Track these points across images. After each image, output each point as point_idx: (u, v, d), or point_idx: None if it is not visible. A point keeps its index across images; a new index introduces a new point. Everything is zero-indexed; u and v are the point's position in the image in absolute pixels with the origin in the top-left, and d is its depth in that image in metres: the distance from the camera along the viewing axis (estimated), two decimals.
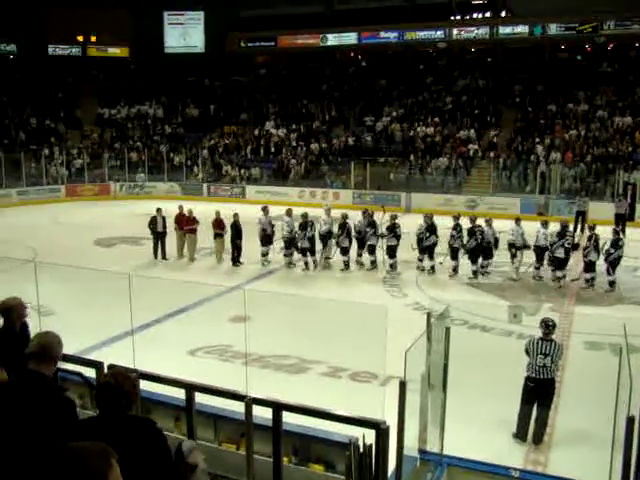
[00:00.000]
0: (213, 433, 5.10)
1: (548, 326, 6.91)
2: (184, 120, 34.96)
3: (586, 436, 6.88)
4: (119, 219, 22.96)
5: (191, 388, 4.54)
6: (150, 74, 36.15)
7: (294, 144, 30.82)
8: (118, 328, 8.94)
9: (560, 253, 13.51)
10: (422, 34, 33.23)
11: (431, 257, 14.82)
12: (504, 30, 31.57)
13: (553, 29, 30.65)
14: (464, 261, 14.52)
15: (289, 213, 15.62)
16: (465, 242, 14.44)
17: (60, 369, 4.80)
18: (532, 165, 25.61)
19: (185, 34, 36.60)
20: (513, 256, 14.27)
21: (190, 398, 4.54)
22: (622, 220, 19.30)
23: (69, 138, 33.06)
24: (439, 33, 32.80)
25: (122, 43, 36.15)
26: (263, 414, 4.29)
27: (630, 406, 4.08)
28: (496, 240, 14.56)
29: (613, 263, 13.17)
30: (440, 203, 24.03)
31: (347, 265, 15.19)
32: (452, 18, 34.08)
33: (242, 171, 30.00)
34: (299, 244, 15.28)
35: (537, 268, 14.15)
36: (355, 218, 15.74)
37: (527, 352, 6.90)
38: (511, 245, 14.31)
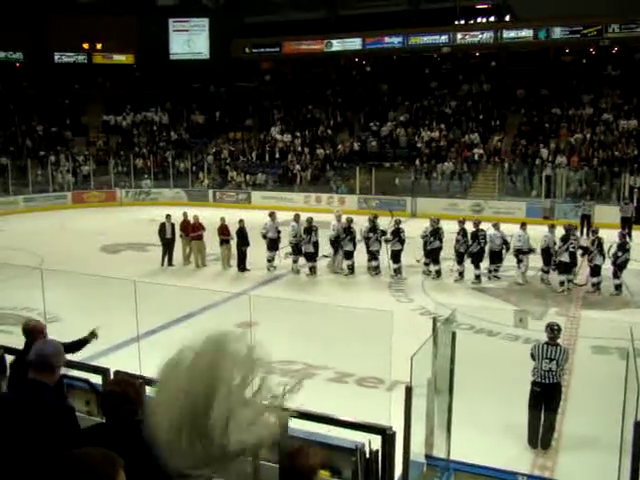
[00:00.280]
0: None
1: (553, 330, 6.88)
2: (189, 126, 35.08)
3: (593, 441, 6.84)
4: (125, 225, 23.02)
5: None
6: (155, 81, 36.31)
7: (299, 149, 30.88)
8: (124, 334, 8.93)
9: (565, 257, 13.47)
10: (426, 39, 33.18)
11: (436, 261, 14.81)
12: (508, 34, 31.49)
13: (557, 33, 30.54)
14: (469, 265, 14.50)
15: (296, 219, 15.68)
16: (469, 246, 14.43)
17: (67, 376, 4.82)
18: (537, 169, 25.58)
19: (190, 41, 36.68)
20: (519, 261, 14.23)
21: None
22: (628, 224, 19.30)
23: (75, 145, 33.24)
24: (443, 38, 32.74)
25: (127, 50, 36.28)
26: None
27: (638, 410, 4.04)
28: (506, 243, 14.46)
29: (620, 266, 13.12)
30: (446, 208, 23.98)
31: (352, 269, 15.18)
32: (456, 23, 34.01)
33: (247, 177, 30.05)
34: (303, 248, 15.32)
35: (546, 272, 14.10)
36: (362, 223, 15.70)
37: (533, 357, 6.87)
38: (518, 251, 14.24)
